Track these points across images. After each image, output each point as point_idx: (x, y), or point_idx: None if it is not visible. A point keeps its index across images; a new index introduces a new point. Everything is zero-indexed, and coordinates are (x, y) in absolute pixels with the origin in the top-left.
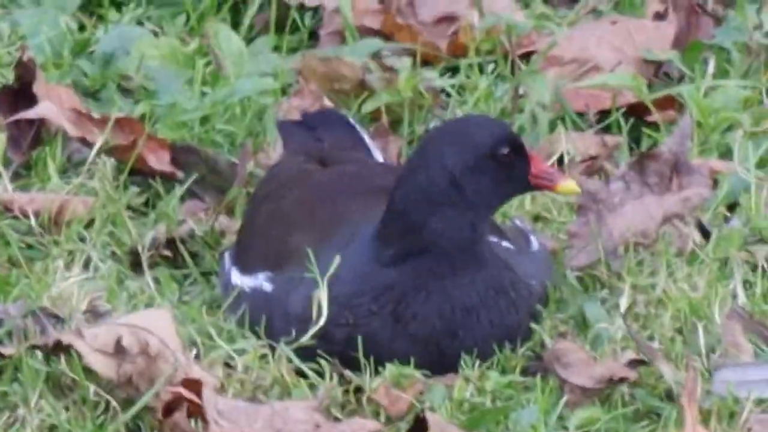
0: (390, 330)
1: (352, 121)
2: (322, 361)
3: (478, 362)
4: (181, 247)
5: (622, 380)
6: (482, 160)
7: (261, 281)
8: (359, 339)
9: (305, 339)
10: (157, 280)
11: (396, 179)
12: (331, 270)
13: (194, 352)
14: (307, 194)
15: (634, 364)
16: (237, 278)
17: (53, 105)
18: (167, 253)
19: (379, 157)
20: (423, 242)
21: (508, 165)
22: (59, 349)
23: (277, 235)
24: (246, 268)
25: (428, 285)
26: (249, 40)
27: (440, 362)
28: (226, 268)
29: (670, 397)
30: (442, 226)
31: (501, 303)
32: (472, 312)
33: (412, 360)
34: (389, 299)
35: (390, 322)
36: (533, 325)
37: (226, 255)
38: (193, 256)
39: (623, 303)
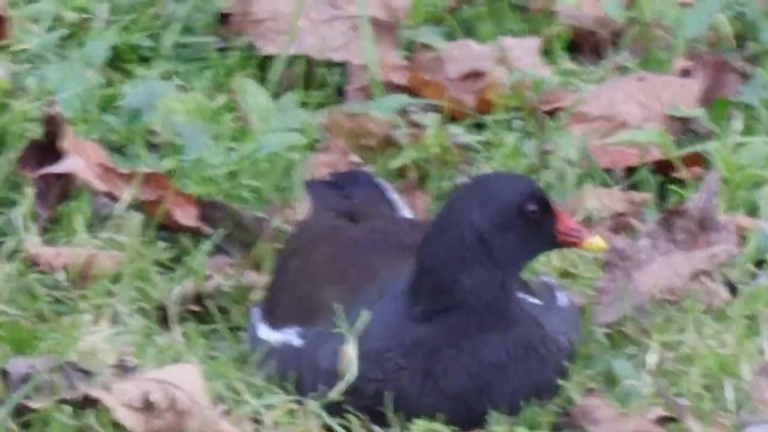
0: (419, 386)
1: (379, 180)
2: (351, 417)
3: (506, 418)
4: (209, 303)
5: None
6: (509, 218)
7: (290, 336)
8: (388, 395)
9: (334, 394)
10: (185, 336)
11: (424, 236)
12: (361, 325)
13: (222, 407)
14: (337, 250)
15: (662, 421)
16: (266, 333)
17: (80, 160)
18: (195, 308)
19: (406, 213)
20: (453, 299)
21: (535, 222)
22: (87, 403)
23: (306, 290)
24: (275, 323)
25: (458, 342)
26: (276, 96)
27: (469, 419)
28: (255, 324)
29: None
30: (471, 283)
31: (530, 360)
32: (502, 369)
33: (441, 416)
34: (419, 355)
35: (419, 377)
36: (561, 382)
37: (254, 310)
38: (221, 311)
39: (651, 359)
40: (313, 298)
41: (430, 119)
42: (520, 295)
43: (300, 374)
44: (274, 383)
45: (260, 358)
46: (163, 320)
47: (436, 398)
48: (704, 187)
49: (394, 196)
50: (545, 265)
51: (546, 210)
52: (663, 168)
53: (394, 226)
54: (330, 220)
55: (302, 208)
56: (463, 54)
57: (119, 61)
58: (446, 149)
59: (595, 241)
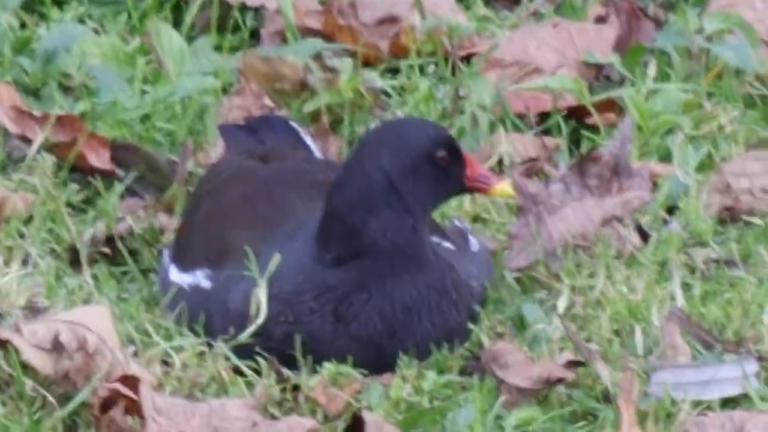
0: (330, 329)
1: (294, 124)
2: (260, 359)
3: (416, 362)
4: (120, 245)
5: (559, 381)
6: (419, 163)
7: (200, 279)
8: (298, 337)
9: (244, 336)
10: (95, 277)
11: (333, 181)
12: (272, 267)
13: (132, 349)
14: (248, 190)
15: (571, 365)
16: (176, 276)
17: None
18: (106, 250)
19: (320, 156)
20: (363, 244)
21: (444, 167)
22: None
23: (216, 232)
24: (185, 266)
25: (370, 286)
26: (190, 40)
27: (379, 362)
28: (165, 266)
29: (607, 398)
30: (381, 228)
31: (443, 304)
32: (413, 312)
33: (351, 359)
34: (331, 299)
35: (331, 321)
36: (472, 326)
37: (165, 252)
38: (132, 253)
39: (561, 304)
40: (224, 239)
41: (344, 64)
42: (434, 239)
43: (209, 317)
44: (184, 326)
45: (170, 300)
46: (74, 262)
47: (347, 341)
48: (618, 133)
49: (310, 140)
50: (458, 209)
51: (455, 156)
52: (576, 114)
53: (309, 165)
54: (242, 161)
55: (215, 151)
56: None
57: (34, 4)
58: (360, 94)
59: (503, 187)
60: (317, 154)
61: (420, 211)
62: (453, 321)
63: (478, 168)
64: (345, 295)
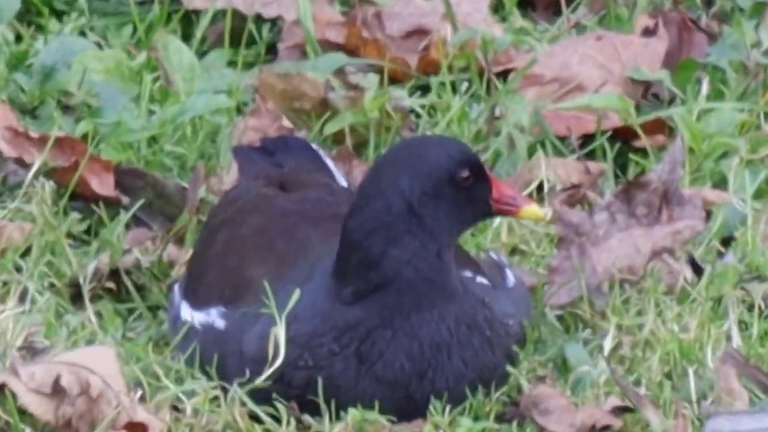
0: (353, 372)
1: (314, 146)
2: (279, 405)
3: (448, 407)
4: (126, 279)
5: (605, 428)
6: (440, 185)
7: (214, 317)
8: (320, 382)
9: (260, 381)
10: (99, 315)
11: (349, 208)
12: (290, 307)
13: (139, 393)
14: (266, 221)
15: (618, 411)
16: (187, 313)
17: None
18: (111, 285)
19: (343, 182)
20: (384, 276)
21: (468, 189)
22: None
23: (231, 267)
24: (197, 303)
25: (393, 322)
26: (201, 54)
27: (408, 407)
28: (176, 302)
29: None
30: (403, 256)
31: (475, 341)
32: (443, 350)
33: (377, 404)
34: (352, 339)
35: (353, 363)
36: (509, 368)
37: (176, 288)
38: (139, 289)
39: (607, 344)
40: (239, 275)
41: (369, 81)
42: (467, 273)
43: (223, 359)
44: (197, 368)
45: (181, 340)
46: (76, 298)
47: (372, 385)
48: (667, 157)
49: (332, 164)
50: (494, 241)
51: (479, 176)
52: (623, 136)
53: (330, 195)
54: (259, 188)
55: (229, 177)
56: (406, 9)
57: (31, 15)
58: (387, 114)
59: (532, 210)
60: (340, 179)
61: (444, 238)
62: (487, 360)
63: (505, 189)
64: (367, 334)
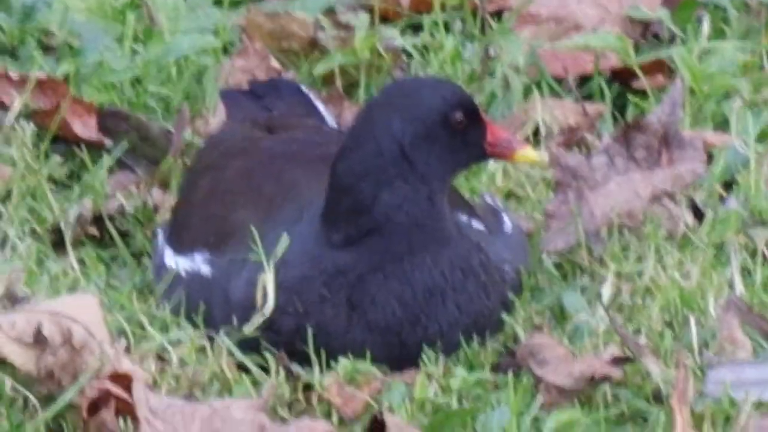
0: (344, 318)
1: (304, 89)
2: (268, 355)
3: (442, 356)
4: (110, 225)
5: (604, 379)
6: (433, 128)
7: (199, 264)
8: (309, 329)
9: (248, 329)
10: (82, 262)
11: (337, 151)
12: (279, 251)
13: (123, 343)
14: (252, 164)
15: (618, 361)
16: (171, 259)
17: None
18: (94, 231)
19: (334, 125)
20: (375, 220)
21: (461, 132)
22: None
23: (217, 211)
24: (182, 248)
25: (385, 267)
26: None
27: (400, 355)
28: (160, 248)
29: (658, 398)
30: (394, 201)
31: (469, 285)
32: (436, 294)
33: (369, 353)
34: (342, 284)
35: (344, 309)
36: (505, 316)
37: (160, 233)
38: (123, 235)
39: (606, 292)
40: (225, 219)
41: (360, 20)
42: (462, 218)
43: (210, 307)
44: (182, 316)
45: (165, 287)
46: (58, 245)
47: (364, 332)
48: (667, 98)
49: (322, 106)
50: (489, 185)
51: (473, 119)
52: (621, 77)
53: (319, 136)
54: (246, 131)
55: (215, 119)
56: None
57: None
58: (378, 54)
59: (528, 153)
60: (330, 122)
61: (437, 182)
62: (482, 305)
63: (499, 132)
64: (358, 279)
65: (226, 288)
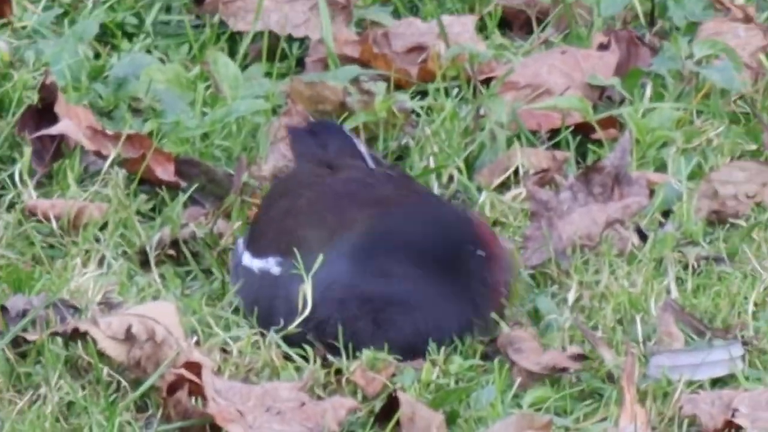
0: (370, 332)
1: (347, 130)
2: (307, 347)
3: (443, 348)
4: (184, 247)
5: (564, 369)
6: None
7: (271, 264)
8: (342, 333)
9: (294, 328)
10: (162, 276)
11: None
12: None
13: (195, 339)
14: (319, 197)
15: (578, 357)
16: (248, 261)
17: (72, 123)
18: (172, 252)
19: (370, 163)
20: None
21: None
22: (77, 335)
23: (289, 227)
24: (258, 252)
25: (406, 299)
26: (244, 67)
27: (411, 351)
28: (239, 252)
29: (611, 379)
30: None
31: (471, 307)
32: (444, 320)
33: (387, 347)
34: (370, 309)
35: (370, 326)
36: (496, 318)
37: (240, 242)
38: (195, 255)
39: (571, 297)
40: (295, 234)
41: (378, 87)
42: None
43: (273, 300)
44: (242, 317)
45: (240, 282)
46: (144, 263)
47: (383, 341)
48: (618, 146)
49: (363, 148)
50: (481, 215)
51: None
52: (583, 130)
53: (371, 179)
54: (313, 169)
55: (266, 165)
56: (408, 30)
57: (107, 37)
58: (393, 113)
59: None
60: (369, 162)
61: None
62: (483, 318)
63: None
64: (383, 306)
65: (288, 287)
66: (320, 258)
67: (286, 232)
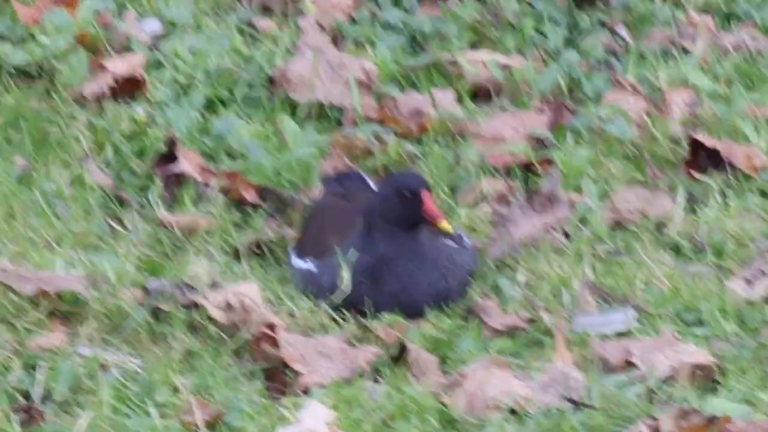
0: (374, 289)
1: (363, 174)
2: (345, 311)
3: (435, 312)
4: (264, 247)
5: (518, 327)
6: (393, 196)
7: (310, 264)
8: (365, 300)
9: (335, 300)
10: (250, 266)
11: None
12: (351, 258)
13: (271, 307)
14: (338, 215)
15: (527, 320)
16: (296, 262)
17: (188, 163)
18: (256, 250)
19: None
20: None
21: (410, 202)
22: (194, 306)
23: (320, 237)
24: (302, 256)
25: (393, 263)
26: (302, 125)
27: (410, 312)
28: (290, 256)
29: (549, 332)
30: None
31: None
32: (420, 279)
33: (398, 311)
34: (372, 271)
35: (372, 286)
36: (468, 290)
37: (290, 249)
38: (271, 251)
39: (521, 278)
40: (324, 241)
41: (391, 138)
42: (442, 239)
43: (315, 286)
44: (302, 293)
45: (294, 277)
46: (238, 257)
47: (383, 297)
48: (551, 177)
49: (372, 183)
50: (459, 222)
51: (416, 196)
52: (527, 167)
53: (372, 202)
54: (333, 199)
55: (317, 191)
56: (410, 100)
57: (211, 105)
58: (401, 156)
59: (443, 224)
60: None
61: (401, 224)
62: (451, 288)
63: (432, 207)
64: (380, 272)
65: (321, 278)
66: (351, 252)
67: (318, 240)
